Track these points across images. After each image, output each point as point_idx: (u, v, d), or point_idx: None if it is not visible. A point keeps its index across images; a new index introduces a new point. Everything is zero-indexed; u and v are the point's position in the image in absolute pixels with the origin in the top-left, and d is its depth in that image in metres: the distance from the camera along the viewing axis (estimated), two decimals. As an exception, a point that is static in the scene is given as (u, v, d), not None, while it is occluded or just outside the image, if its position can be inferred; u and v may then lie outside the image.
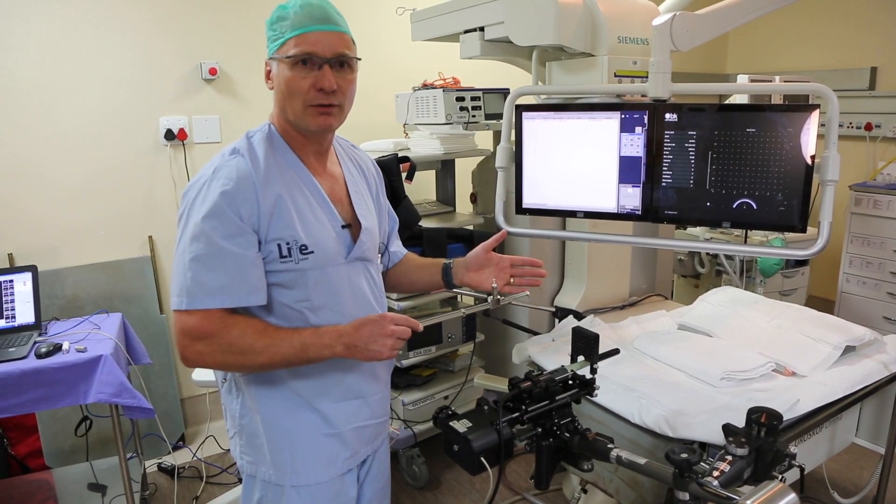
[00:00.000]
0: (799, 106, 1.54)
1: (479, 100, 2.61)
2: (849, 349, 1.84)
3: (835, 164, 1.49)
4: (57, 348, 2.00)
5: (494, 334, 2.72)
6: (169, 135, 2.84)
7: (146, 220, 2.89)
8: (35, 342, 2.07)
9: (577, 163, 1.79)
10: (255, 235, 1.16)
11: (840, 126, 1.52)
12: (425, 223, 2.50)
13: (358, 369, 1.30)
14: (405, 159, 2.41)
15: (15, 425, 2.65)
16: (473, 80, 2.99)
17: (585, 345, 1.31)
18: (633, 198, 1.74)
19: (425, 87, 2.70)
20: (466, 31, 2.35)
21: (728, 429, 1.18)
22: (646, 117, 1.67)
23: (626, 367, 1.77)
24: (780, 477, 1.06)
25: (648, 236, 2.35)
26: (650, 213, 1.72)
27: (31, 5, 2.54)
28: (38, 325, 2.19)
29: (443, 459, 2.64)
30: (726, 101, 3.16)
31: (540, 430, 1.21)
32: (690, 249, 3.17)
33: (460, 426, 1.16)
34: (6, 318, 2.18)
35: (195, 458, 2.81)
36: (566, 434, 1.21)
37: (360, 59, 1.24)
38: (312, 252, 1.20)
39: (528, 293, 2.16)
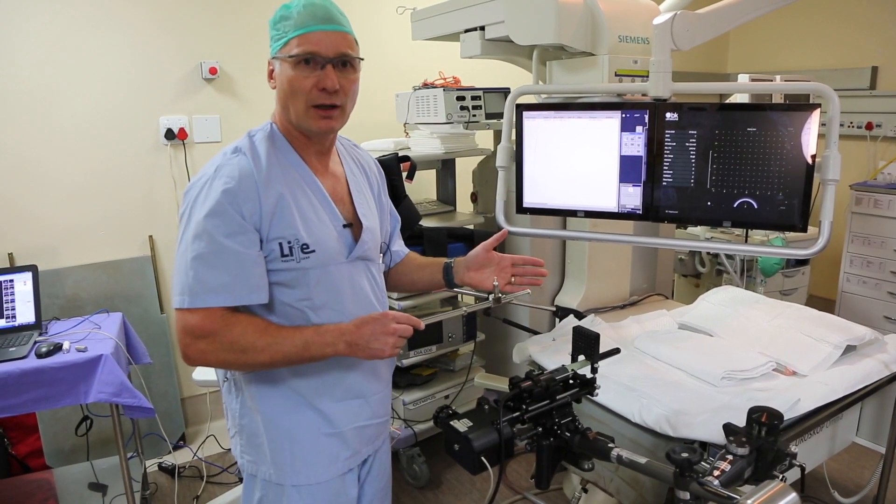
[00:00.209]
0: (800, 105, 1.53)
1: (480, 99, 2.61)
2: (849, 349, 1.84)
3: (835, 164, 1.49)
4: (57, 348, 2.00)
5: (495, 334, 2.72)
6: (169, 134, 2.84)
7: (146, 219, 2.89)
8: (35, 342, 2.07)
9: (578, 162, 1.78)
10: (257, 234, 1.16)
11: (841, 125, 1.52)
12: (426, 222, 2.50)
13: (359, 368, 1.30)
14: (406, 158, 2.41)
15: (15, 425, 2.65)
16: (474, 80, 2.99)
17: (586, 344, 1.31)
18: (633, 197, 1.73)
19: (426, 86, 2.70)
20: (467, 31, 2.36)
21: (729, 428, 1.18)
22: (646, 116, 1.67)
23: (626, 367, 1.77)
24: (780, 476, 1.06)
25: (649, 236, 2.35)
26: (651, 213, 1.72)
27: (31, 5, 2.54)
28: (38, 325, 2.19)
29: (443, 459, 2.64)
30: (727, 101, 3.15)
31: (540, 429, 1.21)
32: (691, 249, 3.17)
33: (461, 425, 1.16)
34: (6, 318, 2.18)
35: (196, 458, 2.81)
36: (567, 433, 1.21)
37: (362, 60, 1.24)
38: (314, 251, 1.20)
39: (528, 292, 2.16)
